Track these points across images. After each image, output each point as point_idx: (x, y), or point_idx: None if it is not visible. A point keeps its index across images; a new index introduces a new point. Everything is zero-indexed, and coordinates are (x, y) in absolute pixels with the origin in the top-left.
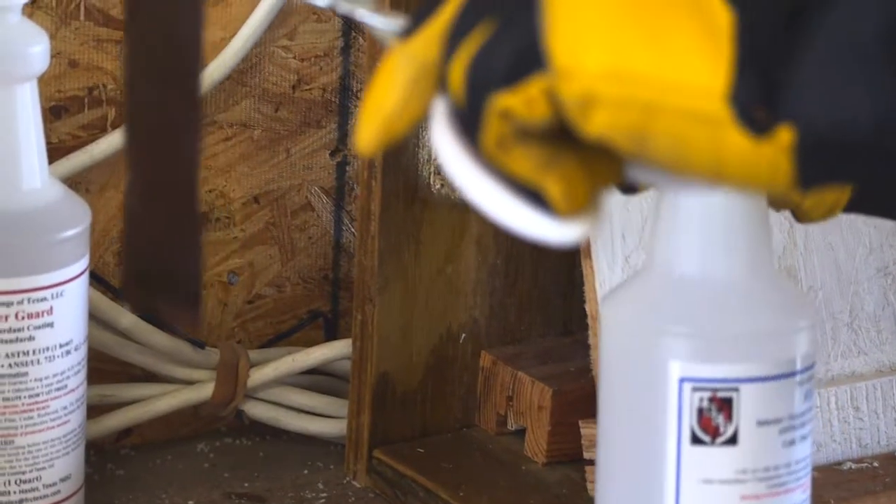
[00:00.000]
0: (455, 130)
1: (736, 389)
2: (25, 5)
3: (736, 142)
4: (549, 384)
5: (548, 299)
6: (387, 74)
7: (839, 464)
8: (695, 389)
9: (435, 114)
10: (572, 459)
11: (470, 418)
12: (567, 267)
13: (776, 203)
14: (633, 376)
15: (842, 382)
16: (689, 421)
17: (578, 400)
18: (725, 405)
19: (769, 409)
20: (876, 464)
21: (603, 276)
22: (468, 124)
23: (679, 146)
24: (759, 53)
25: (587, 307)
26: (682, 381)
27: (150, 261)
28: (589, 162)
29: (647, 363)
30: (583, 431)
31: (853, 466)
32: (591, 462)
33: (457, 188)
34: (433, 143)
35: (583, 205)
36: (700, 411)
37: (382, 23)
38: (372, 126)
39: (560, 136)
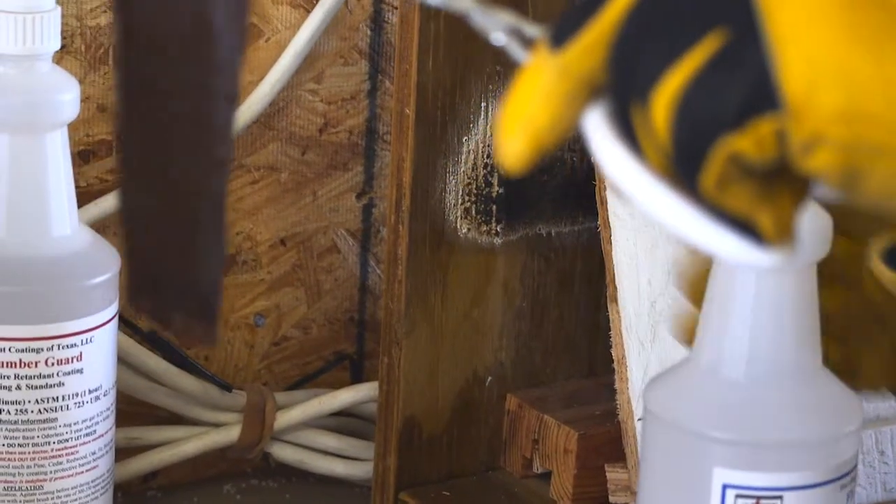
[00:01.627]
0: (627, 146)
1: (780, 497)
2: (55, 51)
3: None
4: (574, 427)
5: (573, 342)
6: (533, 84)
7: None
8: (738, 496)
9: (594, 125)
10: (598, 503)
11: (495, 461)
12: (592, 310)
13: None
14: (676, 475)
15: (867, 427)
16: None
17: (604, 444)
18: None
19: None
20: None
21: (629, 320)
22: (681, 162)
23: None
24: None
25: (613, 352)
26: (725, 487)
27: (161, 267)
28: (794, 188)
29: (691, 466)
30: (609, 475)
31: None
32: None
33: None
34: (595, 155)
35: (791, 232)
36: None
37: (494, 22)
38: (520, 140)
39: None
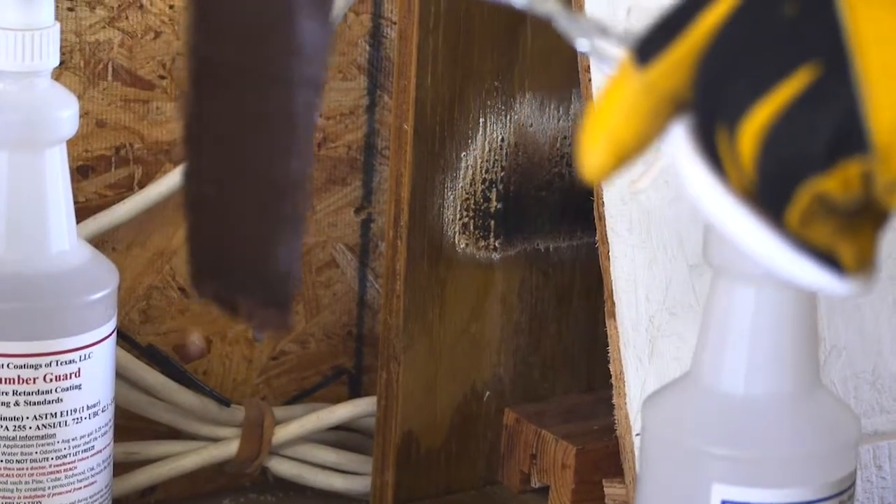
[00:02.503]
0: (710, 165)
1: None
2: (54, 68)
3: None
4: (572, 442)
5: (571, 357)
6: (617, 98)
7: None
8: None
9: (677, 142)
10: None
11: (493, 476)
12: (590, 325)
13: None
14: (674, 491)
15: (865, 441)
16: None
17: (602, 459)
18: None
19: None
20: None
21: (627, 336)
22: (766, 196)
23: None
24: None
25: (611, 367)
26: (724, 503)
27: (225, 252)
28: (875, 220)
29: (690, 481)
30: (606, 491)
31: None
32: None
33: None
34: (677, 171)
35: (872, 262)
36: None
37: (579, 28)
38: (603, 153)
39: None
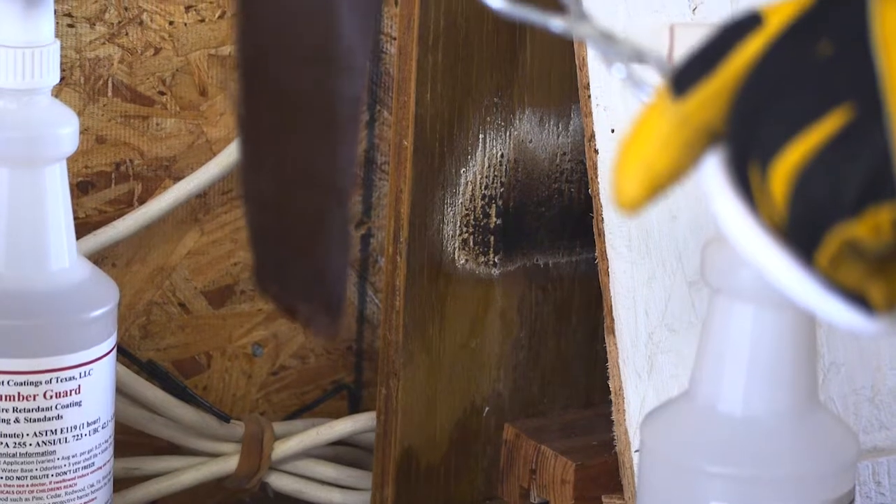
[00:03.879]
0: (742, 198)
1: None
2: (54, 84)
3: None
4: (572, 458)
5: (571, 373)
6: (652, 128)
7: None
8: None
9: (711, 173)
10: None
11: (493, 491)
12: (590, 340)
13: None
14: None
15: (864, 457)
16: None
17: (601, 474)
18: None
19: None
20: None
21: (626, 352)
22: (796, 236)
23: None
24: None
25: (610, 383)
26: None
27: (288, 254)
28: None
29: (688, 500)
30: None
31: None
32: None
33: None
34: (709, 201)
35: None
36: None
37: (616, 53)
38: (637, 183)
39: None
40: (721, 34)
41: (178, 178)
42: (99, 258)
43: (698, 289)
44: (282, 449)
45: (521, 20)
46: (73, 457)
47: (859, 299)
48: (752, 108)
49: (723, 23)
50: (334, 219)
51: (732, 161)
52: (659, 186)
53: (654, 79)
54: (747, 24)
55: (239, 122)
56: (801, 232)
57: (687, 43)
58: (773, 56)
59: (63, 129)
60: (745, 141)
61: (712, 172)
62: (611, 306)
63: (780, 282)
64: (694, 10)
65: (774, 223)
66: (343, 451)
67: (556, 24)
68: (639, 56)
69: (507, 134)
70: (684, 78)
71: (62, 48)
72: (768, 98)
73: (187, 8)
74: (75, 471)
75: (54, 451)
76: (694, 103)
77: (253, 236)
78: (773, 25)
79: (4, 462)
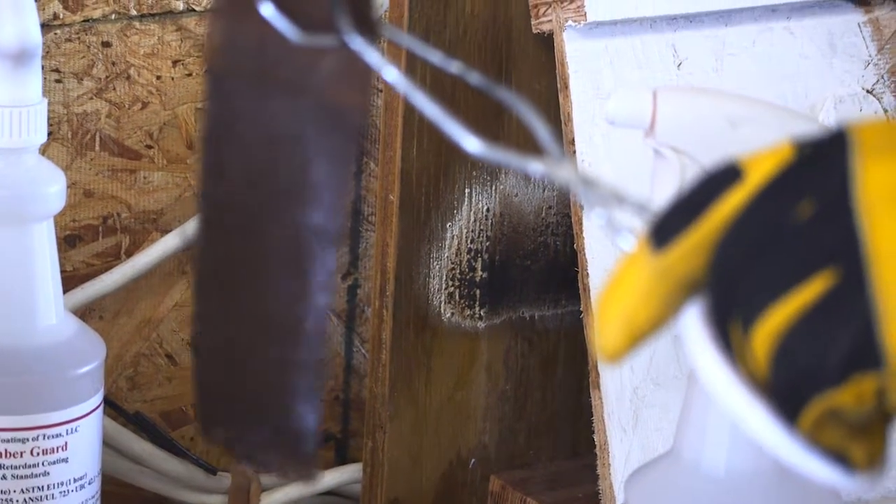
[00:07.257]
0: (722, 352)
1: None
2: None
3: None
4: None
5: (556, 424)
6: (632, 279)
7: None
8: None
9: (691, 325)
10: None
11: None
12: (575, 392)
13: None
14: None
15: None
16: None
17: None
18: None
19: None
20: None
21: (611, 407)
22: (778, 401)
23: None
24: None
25: (595, 437)
26: None
27: (236, 400)
28: (886, 423)
29: None
30: None
31: None
32: None
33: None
34: (689, 353)
35: (882, 461)
36: None
37: (596, 198)
38: (618, 334)
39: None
40: (700, 186)
41: (165, 231)
42: (86, 311)
43: (682, 343)
44: (268, 501)
45: (498, 164)
46: None
47: (840, 457)
48: (733, 265)
49: (702, 174)
50: (299, 365)
51: (713, 315)
52: (640, 337)
53: (635, 223)
54: (727, 177)
55: (195, 265)
56: (785, 396)
57: (671, 108)
58: (753, 214)
59: (50, 188)
60: (727, 298)
61: (692, 324)
62: (596, 361)
63: (761, 438)
64: (679, 65)
65: (755, 379)
66: (330, 502)
67: (535, 167)
68: (619, 199)
69: (493, 188)
70: (664, 230)
71: (50, 103)
72: (749, 257)
73: (174, 62)
74: None
75: None
76: (674, 256)
77: (198, 384)
78: (753, 181)
79: None
